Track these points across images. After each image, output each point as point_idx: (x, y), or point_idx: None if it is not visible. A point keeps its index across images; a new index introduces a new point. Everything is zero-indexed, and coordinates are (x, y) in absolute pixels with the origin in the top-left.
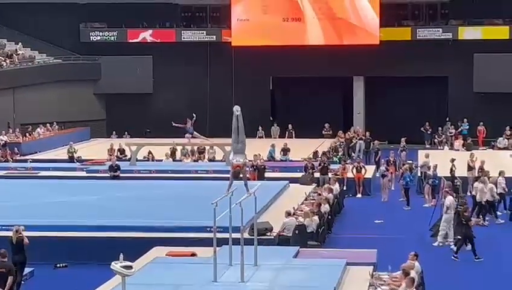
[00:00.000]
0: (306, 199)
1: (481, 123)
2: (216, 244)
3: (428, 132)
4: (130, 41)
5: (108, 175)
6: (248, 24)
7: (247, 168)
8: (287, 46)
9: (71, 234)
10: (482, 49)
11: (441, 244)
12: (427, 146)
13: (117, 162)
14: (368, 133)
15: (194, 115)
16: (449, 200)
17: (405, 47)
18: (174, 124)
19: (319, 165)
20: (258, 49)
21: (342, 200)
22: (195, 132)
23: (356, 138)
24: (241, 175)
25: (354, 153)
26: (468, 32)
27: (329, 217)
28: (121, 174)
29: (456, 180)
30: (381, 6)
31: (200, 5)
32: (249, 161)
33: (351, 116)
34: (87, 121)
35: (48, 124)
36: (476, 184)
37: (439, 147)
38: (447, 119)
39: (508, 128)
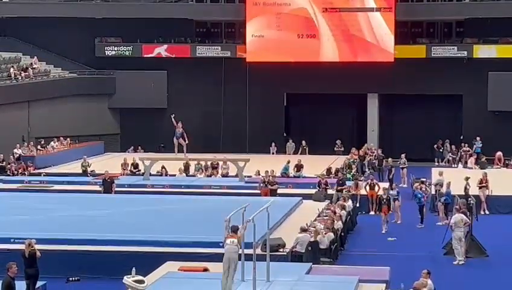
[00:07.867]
0: (319, 216)
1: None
2: None
3: (441, 150)
4: (145, 56)
5: (100, 189)
6: (263, 40)
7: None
8: (301, 62)
9: (84, 248)
10: (497, 67)
11: (461, 262)
12: (442, 164)
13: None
14: (380, 151)
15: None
16: (455, 217)
17: (420, 65)
18: (171, 116)
19: (337, 182)
20: (272, 65)
21: (355, 217)
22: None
23: (369, 155)
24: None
25: (367, 170)
26: (483, 51)
27: (342, 234)
28: (134, 189)
29: (469, 199)
30: (396, 23)
31: (215, 20)
32: (262, 176)
33: (365, 133)
34: (102, 135)
35: (61, 138)
36: None
37: (453, 165)
38: (462, 137)
39: None
